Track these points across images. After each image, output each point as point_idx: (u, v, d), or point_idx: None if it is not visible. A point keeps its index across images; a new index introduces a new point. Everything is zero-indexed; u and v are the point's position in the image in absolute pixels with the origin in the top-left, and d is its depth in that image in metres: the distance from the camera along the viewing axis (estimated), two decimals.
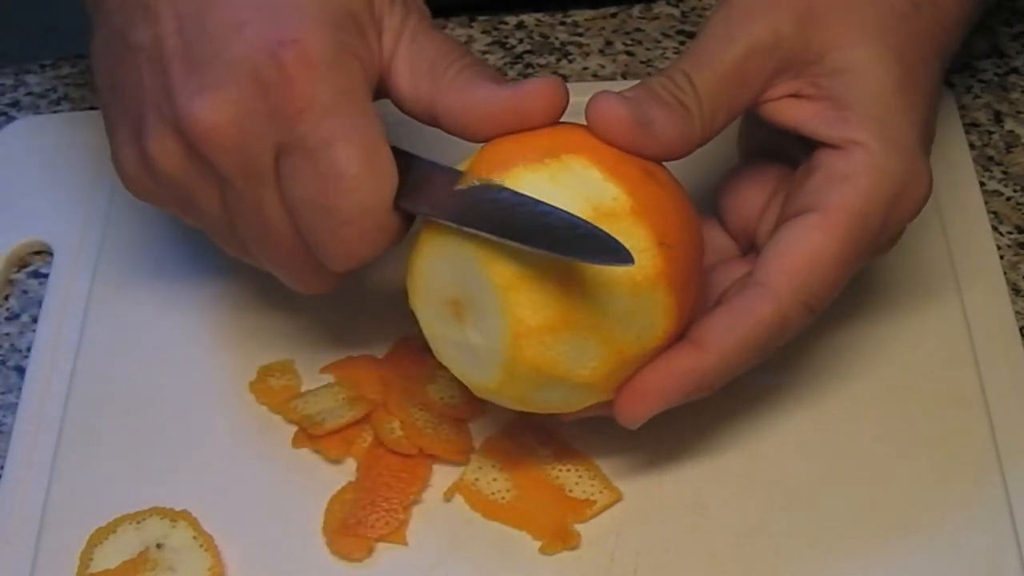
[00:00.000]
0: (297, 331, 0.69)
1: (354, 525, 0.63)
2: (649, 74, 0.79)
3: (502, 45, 0.82)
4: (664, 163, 0.60)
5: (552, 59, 0.81)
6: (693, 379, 0.58)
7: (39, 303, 0.72)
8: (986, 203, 0.72)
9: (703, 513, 0.63)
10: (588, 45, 0.82)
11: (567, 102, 0.59)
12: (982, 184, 0.74)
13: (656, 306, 0.57)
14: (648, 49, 0.81)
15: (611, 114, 0.58)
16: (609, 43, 0.82)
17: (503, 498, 0.63)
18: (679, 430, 0.64)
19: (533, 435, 0.65)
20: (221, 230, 0.62)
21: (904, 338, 0.68)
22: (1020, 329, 0.68)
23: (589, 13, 0.83)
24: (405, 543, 0.63)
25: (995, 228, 0.72)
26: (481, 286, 0.57)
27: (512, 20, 0.83)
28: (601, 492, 0.63)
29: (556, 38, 0.82)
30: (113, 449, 0.66)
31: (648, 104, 0.58)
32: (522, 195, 0.56)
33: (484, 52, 0.81)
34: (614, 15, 0.83)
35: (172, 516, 0.63)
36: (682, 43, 0.81)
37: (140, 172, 0.61)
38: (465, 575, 0.62)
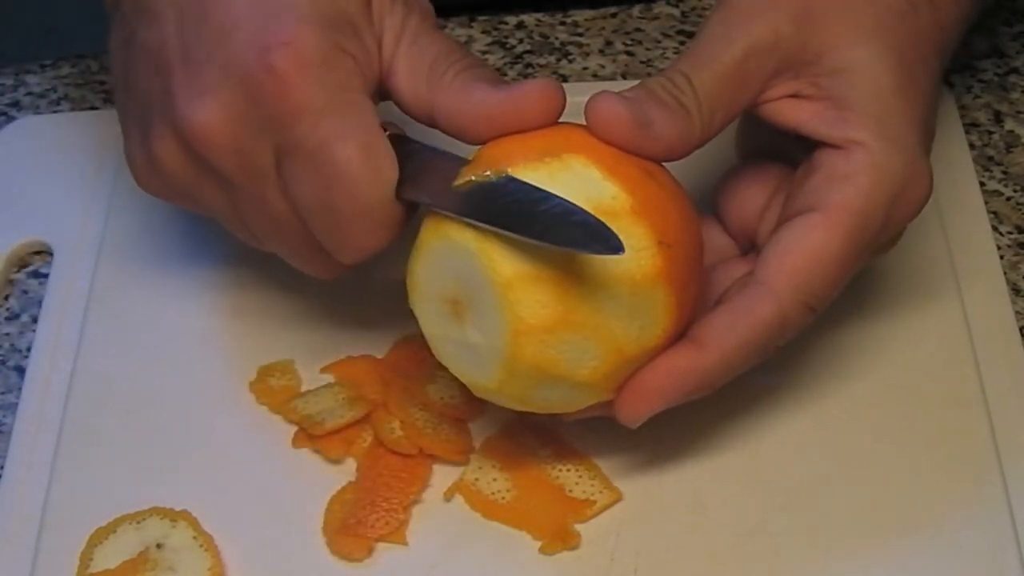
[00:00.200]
0: (297, 331, 0.69)
1: (354, 525, 0.63)
2: (649, 74, 0.79)
3: (502, 45, 0.82)
4: (663, 163, 0.60)
5: (552, 59, 0.81)
6: (693, 378, 0.58)
7: (39, 303, 0.72)
8: (986, 203, 0.72)
9: (703, 513, 0.63)
10: (588, 45, 0.82)
11: (564, 104, 0.59)
12: (982, 184, 0.74)
13: (656, 305, 0.57)
14: (648, 49, 0.81)
15: (610, 114, 0.58)
16: (609, 43, 0.82)
17: (503, 498, 0.63)
18: (679, 430, 0.64)
19: (533, 435, 0.65)
20: (231, 222, 0.63)
21: (904, 338, 0.68)
22: (1020, 329, 0.68)
23: (589, 13, 0.83)
24: (405, 543, 0.63)
25: (995, 228, 0.72)
26: (481, 284, 0.57)
27: (512, 20, 0.83)
28: (601, 492, 0.63)
29: (556, 38, 0.82)
30: (113, 449, 0.66)
31: (647, 104, 0.58)
32: (520, 182, 0.56)
33: (484, 52, 0.81)
34: (614, 15, 0.83)
35: (172, 516, 0.63)
36: (682, 43, 0.81)
37: (148, 170, 0.62)
38: (465, 575, 0.62)
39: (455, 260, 0.57)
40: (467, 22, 0.83)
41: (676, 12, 0.83)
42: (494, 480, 0.64)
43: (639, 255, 0.56)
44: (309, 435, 0.65)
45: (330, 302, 0.70)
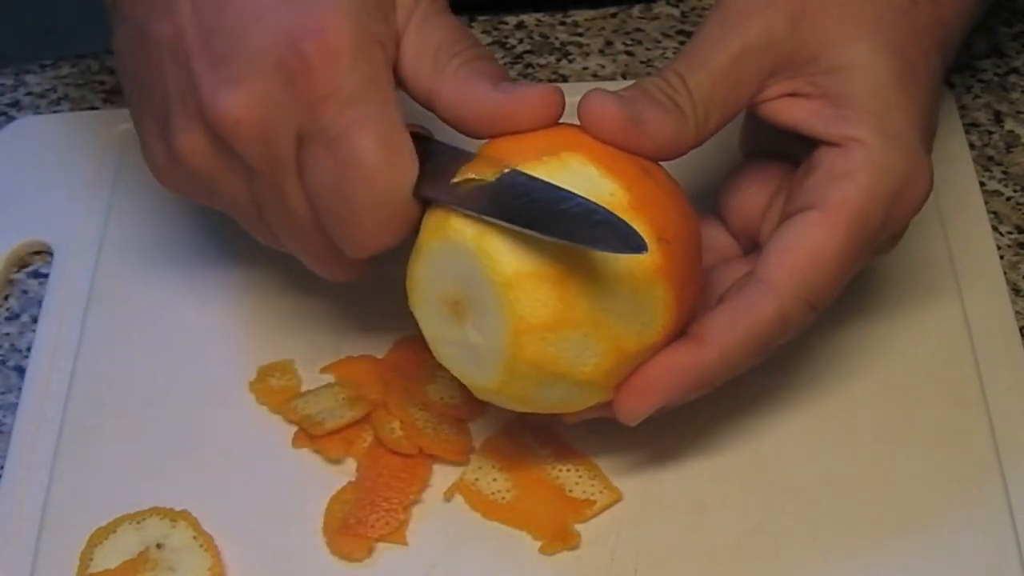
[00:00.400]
0: (297, 331, 0.69)
1: (354, 525, 0.63)
2: (649, 74, 0.79)
3: (502, 45, 0.82)
4: (661, 163, 0.60)
5: (552, 59, 0.81)
6: (693, 375, 0.58)
7: (39, 303, 0.72)
8: (986, 203, 0.72)
9: (703, 513, 0.63)
10: (588, 45, 0.82)
11: (563, 111, 0.59)
12: (982, 184, 0.74)
13: (656, 302, 0.57)
14: (648, 49, 0.81)
15: (602, 111, 0.58)
16: (609, 43, 0.82)
17: (503, 498, 0.63)
18: (679, 429, 0.64)
19: (533, 435, 0.65)
20: (250, 218, 0.62)
21: (904, 338, 0.68)
22: (1020, 329, 0.68)
23: (589, 13, 0.83)
24: (405, 543, 0.63)
25: (995, 228, 0.72)
26: (481, 284, 0.57)
27: (512, 20, 0.83)
28: (601, 492, 0.63)
29: (556, 38, 0.82)
30: (113, 449, 0.66)
31: (641, 103, 0.58)
32: (539, 180, 0.56)
33: None
34: (614, 15, 0.83)
35: (172, 516, 0.63)
36: (682, 43, 0.81)
37: (168, 165, 0.61)
38: (465, 575, 0.62)
39: (454, 261, 0.57)
40: (467, 22, 0.83)
41: (676, 12, 0.83)
42: (494, 480, 0.64)
43: None
44: (309, 435, 0.65)
45: (330, 302, 0.70)
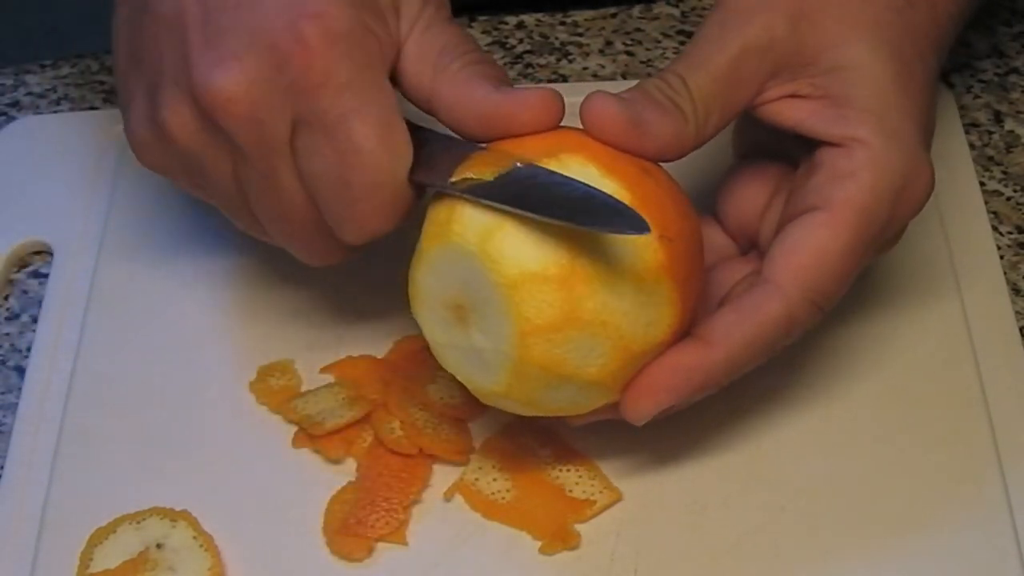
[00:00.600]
0: (297, 331, 0.69)
1: (354, 525, 0.63)
2: (649, 74, 0.79)
3: (502, 45, 0.82)
4: (661, 164, 0.60)
5: (552, 59, 0.81)
6: (699, 375, 0.58)
7: (39, 303, 0.72)
8: (986, 203, 0.72)
9: (703, 513, 0.63)
10: (588, 45, 0.82)
11: (562, 116, 0.59)
12: (982, 184, 0.74)
13: (660, 300, 0.57)
14: (648, 49, 0.81)
15: (604, 113, 0.58)
16: (609, 43, 0.82)
17: (503, 498, 0.63)
18: (679, 430, 0.64)
19: (533, 435, 0.65)
20: (233, 203, 0.62)
21: (904, 338, 0.68)
22: (1020, 329, 0.68)
23: (589, 13, 0.83)
24: (405, 543, 0.63)
25: (995, 228, 0.72)
26: (484, 287, 0.57)
27: (512, 20, 0.83)
28: (601, 492, 0.63)
29: (556, 38, 0.82)
30: (113, 449, 0.66)
31: (642, 105, 0.59)
32: (536, 167, 0.56)
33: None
34: (614, 15, 0.83)
35: (172, 516, 0.63)
36: (682, 43, 0.81)
37: (153, 141, 0.61)
38: (465, 575, 0.62)
39: (457, 265, 0.57)
40: (467, 22, 0.83)
41: (676, 12, 0.83)
42: (494, 480, 0.64)
43: (641, 250, 0.56)
44: (309, 435, 0.65)
45: (330, 302, 0.70)
